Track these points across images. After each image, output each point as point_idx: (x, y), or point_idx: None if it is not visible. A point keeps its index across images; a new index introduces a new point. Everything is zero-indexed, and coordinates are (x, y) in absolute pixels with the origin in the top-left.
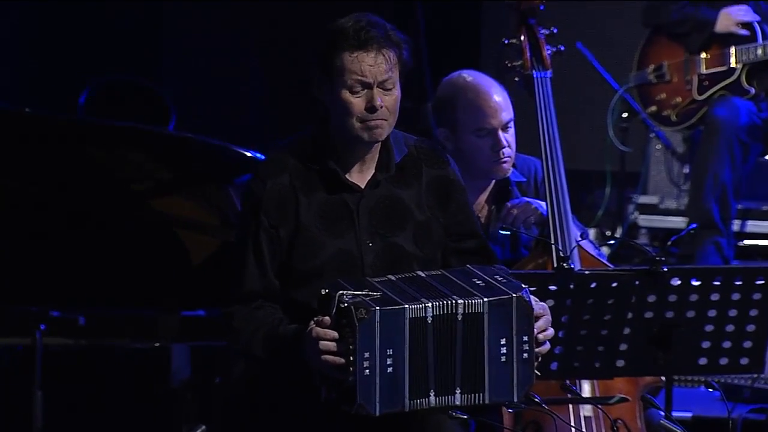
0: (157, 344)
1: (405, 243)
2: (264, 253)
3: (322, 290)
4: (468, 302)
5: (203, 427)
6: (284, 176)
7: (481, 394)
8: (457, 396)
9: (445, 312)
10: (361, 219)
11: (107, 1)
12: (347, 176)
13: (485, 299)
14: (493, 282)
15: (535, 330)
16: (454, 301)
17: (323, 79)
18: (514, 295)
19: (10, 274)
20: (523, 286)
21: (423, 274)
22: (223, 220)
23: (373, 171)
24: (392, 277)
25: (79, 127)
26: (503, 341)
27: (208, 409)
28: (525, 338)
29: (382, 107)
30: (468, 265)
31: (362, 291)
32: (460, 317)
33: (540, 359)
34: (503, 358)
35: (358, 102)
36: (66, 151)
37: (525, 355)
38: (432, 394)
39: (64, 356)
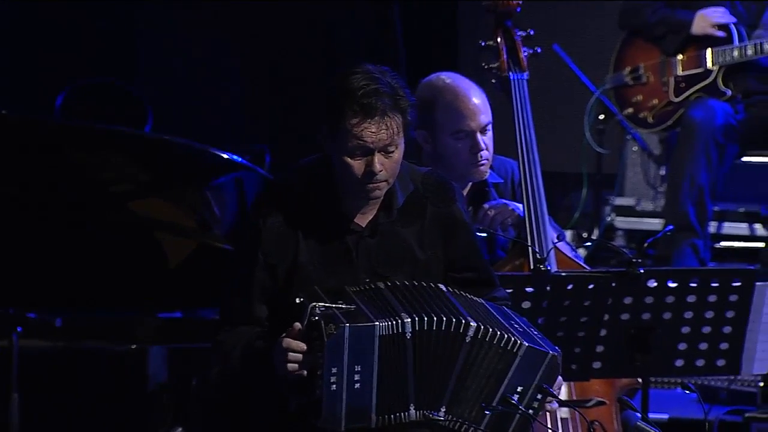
0: (134, 346)
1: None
2: (255, 289)
3: (297, 299)
4: (501, 335)
5: (180, 429)
6: (285, 214)
7: (473, 426)
8: (441, 414)
9: (440, 329)
10: (360, 259)
11: (82, 3)
12: (349, 217)
13: (526, 343)
14: (531, 333)
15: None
16: (464, 321)
17: (326, 131)
18: (551, 352)
19: None
20: (557, 349)
21: (444, 288)
22: (200, 223)
23: (375, 212)
24: (381, 285)
25: (58, 130)
26: (520, 389)
27: (184, 411)
28: (539, 396)
29: (381, 171)
30: (506, 309)
31: (336, 303)
32: (468, 339)
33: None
34: (521, 408)
35: (357, 165)
36: (45, 154)
37: (531, 411)
38: (412, 407)
39: (40, 358)
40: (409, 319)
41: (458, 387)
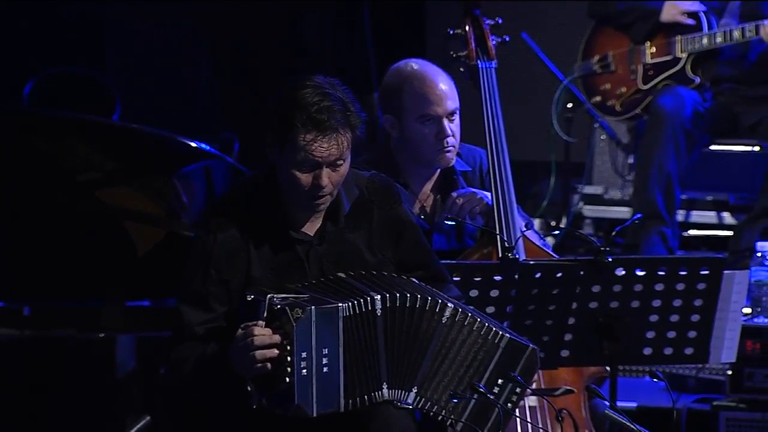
0: (102, 335)
1: None
2: (210, 305)
3: (248, 296)
4: (481, 322)
5: (147, 417)
6: (234, 229)
7: (452, 417)
8: (412, 395)
9: (414, 306)
10: (312, 269)
11: None
12: (297, 227)
13: (507, 335)
14: (507, 329)
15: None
16: (440, 302)
17: (274, 142)
18: (531, 346)
19: None
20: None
21: (416, 282)
22: (168, 211)
23: (322, 220)
24: (342, 275)
25: (24, 118)
26: (500, 381)
27: (152, 399)
28: (518, 390)
29: (327, 185)
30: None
31: (289, 294)
32: (445, 320)
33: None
34: (491, 396)
35: (305, 178)
36: (11, 142)
37: (509, 404)
38: (385, 386)
39: (8, 347)
40: (378, 296)
41: (432, 369)
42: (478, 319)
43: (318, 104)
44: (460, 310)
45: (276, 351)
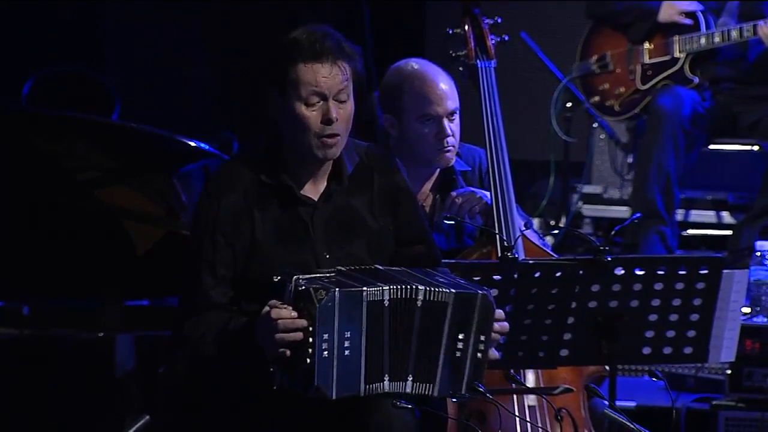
0: (101, 334)
1: (360, 252)
2: (218, 271)
3: (275, 277)
4: (431, 290)
5: (147, 417)
6: (238, 193)
7: (431, 386)
8: (408, 383)
9: (404, 296)
10: (316, 232)
11: None
12: (300, 190)
13: (452, 290)
14: (456, 281)
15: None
16: (414, 287)
17: (277, 94)
18: (479, 292)
19: None
20: (486, 288)
21: (381, 267)
22: (167, 211)
23: (326, 183)
24: (342, 268)
25: (23, 117)
26: (461, 336)
27: (151, 399)
28: (482, 338)
29: (337, 120)
30: (428, 269)
31: (316, 275)
32: (419, 303)
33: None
34: (458, 354)
35: (313, 116)
36: (10, 141)
37: (479, 354)
38: (386, 378)
39: (7, 346)
40: (387, 287)
41: (420, 353)
42: (436, 290)
43: (310, 36)
44: (429, 289)
45: (300, 335)
